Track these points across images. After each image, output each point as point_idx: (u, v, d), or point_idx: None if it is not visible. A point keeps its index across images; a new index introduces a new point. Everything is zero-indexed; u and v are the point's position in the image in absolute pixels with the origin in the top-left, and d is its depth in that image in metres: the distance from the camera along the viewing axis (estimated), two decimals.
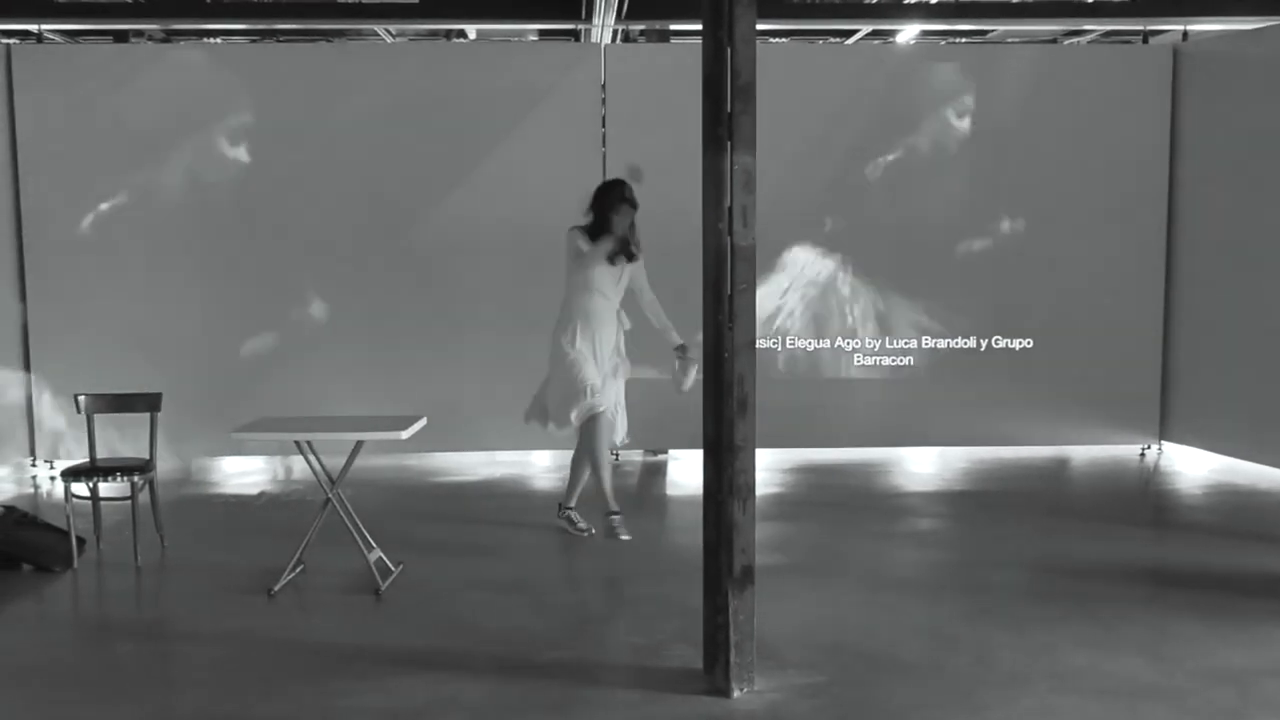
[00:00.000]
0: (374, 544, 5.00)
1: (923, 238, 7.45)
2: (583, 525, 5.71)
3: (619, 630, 4.41)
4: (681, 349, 5.61)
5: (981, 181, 7.44)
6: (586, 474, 5.73)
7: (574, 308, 5.54)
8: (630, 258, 5.56)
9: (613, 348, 5.61)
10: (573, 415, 5.50)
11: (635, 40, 8.27)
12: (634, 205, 5.47)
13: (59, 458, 7.18)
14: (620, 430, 5.74)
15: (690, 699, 3.73)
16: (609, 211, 5.43)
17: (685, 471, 7.21)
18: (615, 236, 5.45)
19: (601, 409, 5.49)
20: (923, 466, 7.42)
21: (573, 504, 5.80)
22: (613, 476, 5.77)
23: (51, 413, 7.17)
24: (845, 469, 7.30)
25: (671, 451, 7.61)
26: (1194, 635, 4.27)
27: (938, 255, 7.46)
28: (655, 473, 7.25)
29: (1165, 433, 7.60)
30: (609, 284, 5.54)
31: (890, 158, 7.42)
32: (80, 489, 5.38)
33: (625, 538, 5.56)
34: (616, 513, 5.63)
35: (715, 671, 3.81)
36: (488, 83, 7.22)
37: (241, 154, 7.18)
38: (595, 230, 5.48)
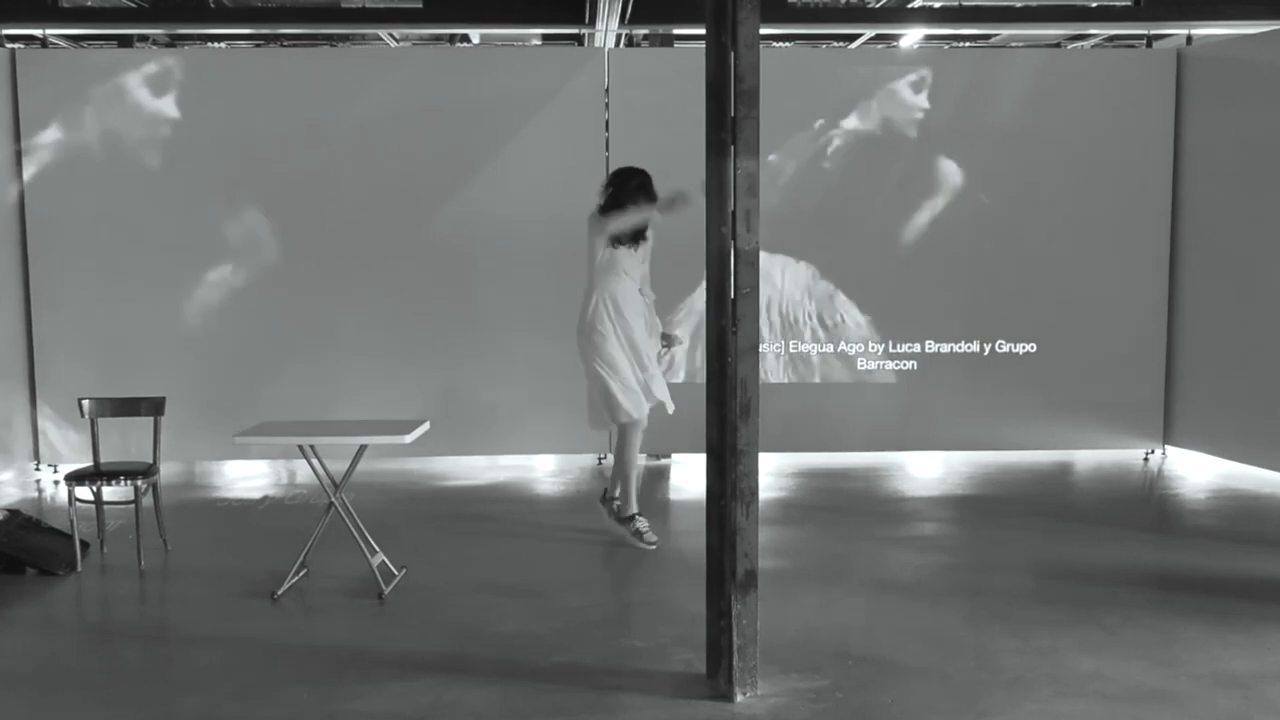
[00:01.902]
0: (377, 548, 5.00)
1: (925, 241, 7.44)
2: (651, 537, 5.53)
3: (622, 634, 4.41)
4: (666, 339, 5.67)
5: (985, 186, 7.43)
6: (635, 474, 5.62)
7: (601, 290, 5.43)
8: (643, 237, 5.50)
9: (644, 326, 5.52)
10: (614, 416, 5.45)
11: (639, 44, 8.28)
12: (652, 198, 5.37)
13: (63, 461, 7.18)
14: (667, 401, 5.58)
15: (693, 703, 3.73)
16: (625, 199, 5.37)
17: (688, 476, 7.21)
18: (629, 223, 5.36)
19: (637, 417, 5.43)
20: (926, 471, 7.41)
21: (634, 509, 5.60)
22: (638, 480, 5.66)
23: (55, 416, 7.18)
24: (848, 473, 7.29)
25: (674, 455, 7.61)
26: (1198, 640, 4.26)
27: (940, 259, 7.46)
28: (658, 477, 7.24)
29: (1169, 437, 7.59)
30: (633, 264, 5.46)
31: (892, 162, 7.42)
32: (84, 493, 5.38)
33: (652, 542, 5.49)
34: (639, 515, 5.56)
35: (718, 676, 3.81)
36: (491, 87, 7.22)
37: (245, 158, 7.19)
38: (609, 211, 5.41)
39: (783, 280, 7.42)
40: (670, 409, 5.61)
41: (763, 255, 3.76)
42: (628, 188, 5.39)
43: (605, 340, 5.41)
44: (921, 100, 7.40)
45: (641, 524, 5.55)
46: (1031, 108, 7.40)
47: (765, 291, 7.22)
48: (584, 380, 5.57)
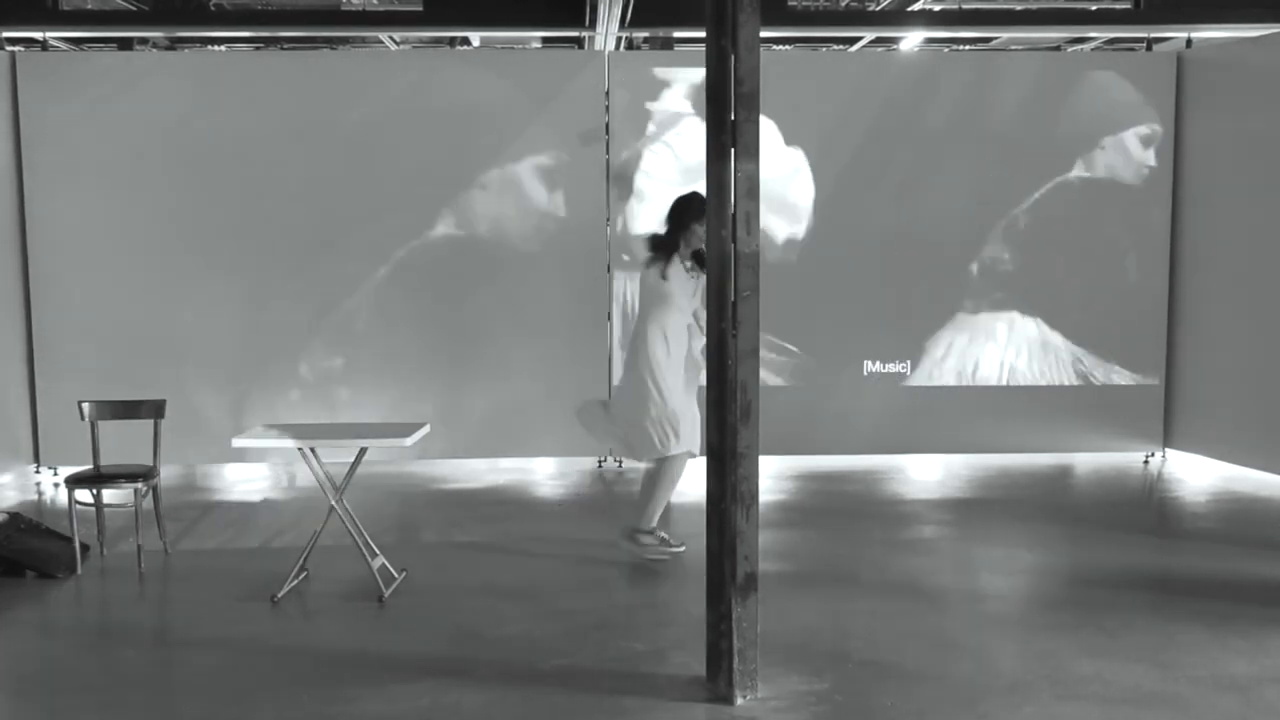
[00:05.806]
0: (377, 551, 5.00)
1: (923, 245, 7.43)
2: (676, 544, 5.48)
3: (622, 637, 4.41)
4: None
5: (984, 189, 7.43)
6: (665, 495, 5.47)
7: (653, 324, 5.32)
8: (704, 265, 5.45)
9: (685, 357, 5.38)
10: (660, 448, 5.33)
11: (639, 48, 8.29)
12: None
13: (63, 464, 7.18)
14: (696, 443, 5.41)
15: (693, 706, 3.73)
16: (694, 223, 5.17)
17: (688, 479, 7.19)
18: (694, 249, 5.27)
19: (684, 450, 5.35)
20: (926, 474, 7.41)
21: (653, 524, 5.49)
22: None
23: (55, 419, 7.17)
24: (848, 476, 7.29)
25: None
26: (1198, 643, 4.26)
27: (938, 262, 7.45)
28: None
29: (1169, 440, 7.59)
30: (687, 297, 5.34)
31: (892, 165, 7.41)
32: (84, 495, 5.39)
33: (658, 556, 5.42)
34: (654, 532, 5.47)
35: (718, 679, 3.81)
36: (491, 90, 7.23)
37: (245, 161, 7.18)
38: (666, 244, 5.32)
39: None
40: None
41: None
42: (692, 209, 5.19)
43: (658, 368, 5.28)
44: (917, 105, 7.40)
45: (659, 536, 5.47)
46: (1031, 111, 7.40)
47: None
48: (621, 415, 5.43)
